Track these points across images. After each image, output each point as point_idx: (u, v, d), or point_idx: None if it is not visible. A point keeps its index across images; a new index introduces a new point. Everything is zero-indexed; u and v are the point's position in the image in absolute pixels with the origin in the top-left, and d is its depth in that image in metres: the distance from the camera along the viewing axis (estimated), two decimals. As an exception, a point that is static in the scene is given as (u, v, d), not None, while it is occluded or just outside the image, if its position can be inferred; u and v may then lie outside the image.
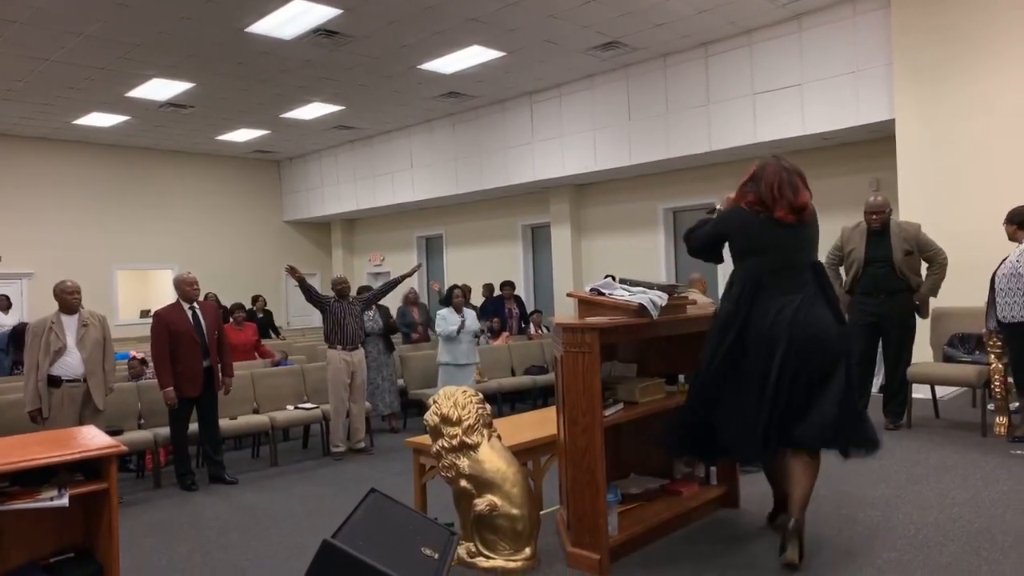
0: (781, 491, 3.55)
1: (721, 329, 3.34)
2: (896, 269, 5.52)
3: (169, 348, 5.43)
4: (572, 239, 11.82)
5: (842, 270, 5.86)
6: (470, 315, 7.40)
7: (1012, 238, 5.22)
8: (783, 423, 3.16)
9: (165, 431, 5.67)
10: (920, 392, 6.11)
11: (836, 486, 4.29)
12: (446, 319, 7.22)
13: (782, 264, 3.30)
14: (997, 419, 5.40)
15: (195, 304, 5.66)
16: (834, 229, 5.73)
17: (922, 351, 6.32)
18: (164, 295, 11.72)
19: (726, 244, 3.51)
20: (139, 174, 13.98)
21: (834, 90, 8.02)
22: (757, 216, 3.33)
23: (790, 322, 3.17)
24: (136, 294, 14.50)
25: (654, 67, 9.56)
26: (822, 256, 3.80)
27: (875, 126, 7.88)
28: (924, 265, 5.74)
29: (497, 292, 10.83)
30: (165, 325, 5.47)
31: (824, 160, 8.98)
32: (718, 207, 3.63)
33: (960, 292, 6.41)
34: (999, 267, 5.19)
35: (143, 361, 6.92)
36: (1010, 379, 5.28)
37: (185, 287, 5.64)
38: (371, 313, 7.50)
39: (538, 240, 12.95)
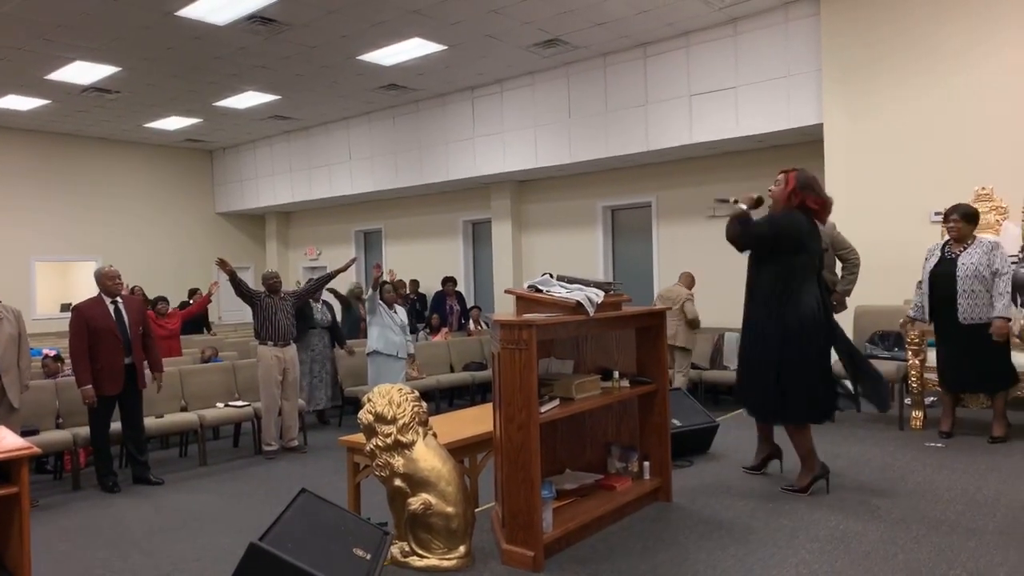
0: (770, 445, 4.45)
1: (804, 307, 4.00)
2: None
3: (89, 344, 5.20)
4: (513, 235, 11.83)
5: None
6: (401, 312, 7.33)
7: (959, 236, 5.15)
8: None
9: (85, 431, 5.43)
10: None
11: (762, 479, 4.43)
12: (381, 310, 7.10)
13: (814, 264, 4.08)
14: (913, 413, 5.65)
15: (118, 299, 5.43)
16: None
17: (846, 348, 6.55)
18: (86, 288, 11.20)
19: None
20: (60, 161, 13.32)
21: (767, 93, 8.25)
22: (809, 222, 4.05)
23: (828, 310, 4.08)
24: (56, 287, 13.83)
25: (594, 66, 9.65)
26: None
27: (805, 129, 8.14)
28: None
29: (436, 288, 10.78)
30: (84, 320, 5.23)
31: (757, 161, 9.24)
32: (731, 199, 4.23)
33: (881, 291, 6.69)
34: (939, 264, 5.18)
35: (57, 358, 6.61)
36: (927, 375, 5.52)
37: (106, 281, 5.40)
38: (319, 306, 7.63)
39: (479, 236, 12.92)
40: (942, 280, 5.13)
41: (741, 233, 4.09)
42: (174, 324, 8.52)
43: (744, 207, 4.12)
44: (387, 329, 7.00)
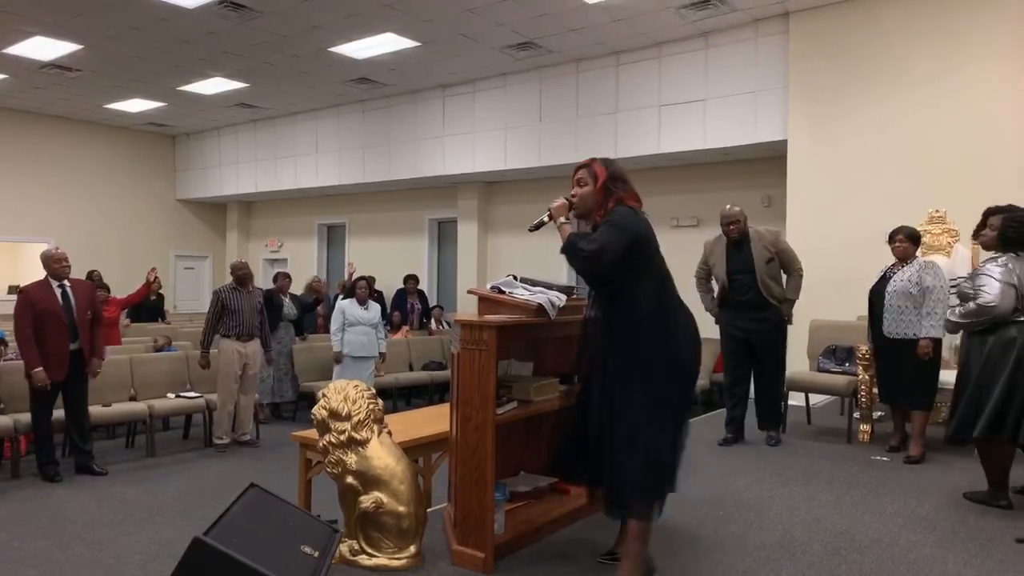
0: None
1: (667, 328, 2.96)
2: (759, 281, 5.44)
3: (34, 328, 5.04)
4: (479, 236, 11.80)
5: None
6: (374, 308, 7.26)
7: (903, 255, 5.25)
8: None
9: (27, 417, 5.25)
10: (795, 400, 6.48)
11: (715, 488, 4.49)
12: (345, 312, 7.02)
13: (664, 264, 3.09)
14: (861, 427, 5.79)
15: (66, 282, 5.26)
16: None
17: (798, 361, 6.69)
18: (37, 270, 10.87)
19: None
20: (15, 139, 12.87)
21: (735, 108, 8.37)
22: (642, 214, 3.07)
23: (694, 338, 3.06)
24: (5, 268, 13.39)
25: (567, 71, 9.69)
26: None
27: (770, 145, 8.28)
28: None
29: (399, 286, 10.69)
30: (30, 303, 5.07)
31: (722, 174, 9.38)
32: (545, 218, 3.24)
33: (835, 306, 6.84)
34: (877, 283, 5.35)
35: (0, 341, 6.39)
36: (875, 390, 5.65)
37: (53, 264, 5.23)
38: (286, 299, 7.76)
39: (444, 235, 12.86)
40: (875, 297, 5.36)
41: (594, 261, 2.92)
42: (112, 312, 8.22)
43: (563, 221, 3.15)
44: (349, 331, 6.93)
